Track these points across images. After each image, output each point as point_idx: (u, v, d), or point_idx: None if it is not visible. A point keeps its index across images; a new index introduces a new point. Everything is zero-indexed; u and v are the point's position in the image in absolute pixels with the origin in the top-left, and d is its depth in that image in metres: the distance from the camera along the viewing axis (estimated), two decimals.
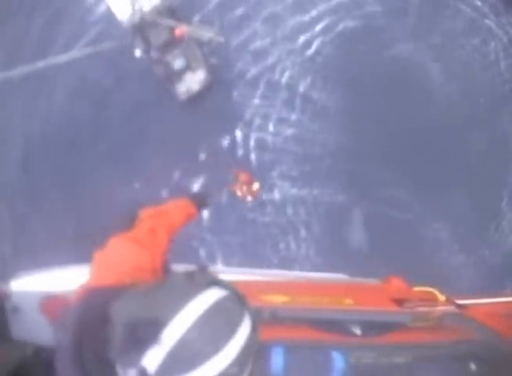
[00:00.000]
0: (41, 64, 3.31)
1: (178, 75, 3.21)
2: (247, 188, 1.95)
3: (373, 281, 2.06)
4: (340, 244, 3.42)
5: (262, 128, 3.64)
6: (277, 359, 1.40)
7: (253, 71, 3.67)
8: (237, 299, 0.77)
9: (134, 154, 3.51)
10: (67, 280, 1.64)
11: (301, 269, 3.33)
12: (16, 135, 3.61)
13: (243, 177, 1.97)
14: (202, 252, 3.38)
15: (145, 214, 1.31)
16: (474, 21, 3.87)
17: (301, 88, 3.70)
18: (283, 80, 3.70)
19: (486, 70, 3.83)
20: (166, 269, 1.16)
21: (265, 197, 3.49)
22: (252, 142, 3.60)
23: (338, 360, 1.46)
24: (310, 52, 3.77)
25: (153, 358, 0.67)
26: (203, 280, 0.76)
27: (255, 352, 0.75)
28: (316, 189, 3.56)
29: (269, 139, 3.64)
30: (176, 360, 0.67)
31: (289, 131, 3.66)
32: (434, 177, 3.61)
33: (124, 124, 3.57)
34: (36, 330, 1.64)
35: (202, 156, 3.54)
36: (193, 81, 3.21)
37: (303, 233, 3.48)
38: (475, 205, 3.59)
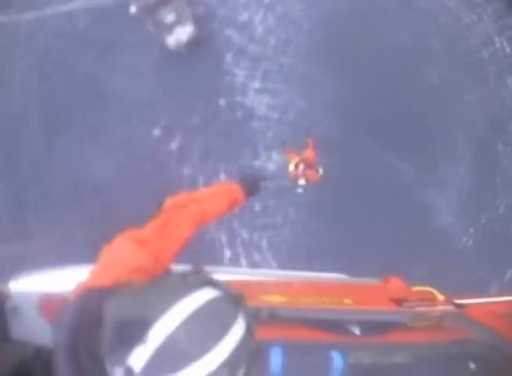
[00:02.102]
0: (48, 11, 3.60)
1: (169, 28, 3.60)
2: (306, 169, 1.62)
3: (372, 281, 2.07)
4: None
5: (246, 94, 3.70)
6: (276, 359, 1.40)
7: (237, 38, 3.79)
8: (231, 301, 0.76)
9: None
10: (67, 280, 1.64)
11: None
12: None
13: (308, 154, 1.64)
14: None
15: (170, 203, 1.22)
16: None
17: (287, 59, 3.76)
18: (268, 50, 3.77)
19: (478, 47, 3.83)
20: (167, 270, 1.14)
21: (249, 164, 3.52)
22: (237, 108, 3.65)
23: (337, 360, 1.45)
24: (295, 23, 3.82)
25: (139, 357, 0.66)
26: (196, 280, 0.76)
27: (250, 355, 0.74)
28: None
29: (252, 105, 3.68)
30: (162, 360, 0.66)
31: (272, 101, 3.69)
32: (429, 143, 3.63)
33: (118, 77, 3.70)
34: (36, 330, 1.65)
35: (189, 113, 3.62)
36: (182, 33, 3.61)
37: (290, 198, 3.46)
38: (475, 172, 3.58)
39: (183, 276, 0.77)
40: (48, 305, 1.66)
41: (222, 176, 3.47)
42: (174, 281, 0.77)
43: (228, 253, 3.39)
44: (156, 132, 3.58)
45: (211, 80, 3.69)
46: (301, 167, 1.62)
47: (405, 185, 3.52)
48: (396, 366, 1.58)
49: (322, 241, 3.35)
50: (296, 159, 1.63)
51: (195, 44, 3.66)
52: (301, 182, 1.63)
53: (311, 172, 1.63)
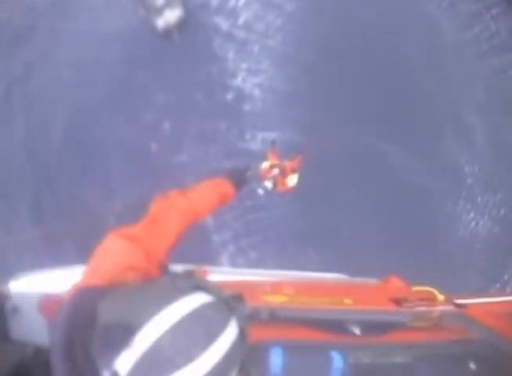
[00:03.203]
0: None
1: (158, 11, 3.78)
2: (279, 175, 1.53)
3: (372, 281, 2.07)
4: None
5: (232, 76, 3.75)
6: (276, 360, 1.40)
7: (222, 20, 3.87)
8: (223, 306, 0.74)
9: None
10: (67, 280, 1.64)
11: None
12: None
13: (290, 165, 1.54)
14: None
15: (157, 200, 1.21)
16: None
17: (272, 41, 3.79)
18: (253, 32, 3.82)
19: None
20: (163, 268, 1.12)
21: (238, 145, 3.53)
22: (224, 90, 3.70)
23: (337, 360, 1.45)
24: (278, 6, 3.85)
25: (124, 362, 0.66)
26: (186, 284, 0.74)
27: (242, 360, 0.73)
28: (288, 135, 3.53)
29: (240, 87, 3.71)
30: (147, 366, 0.66)
31: (258, 82, 3.73)
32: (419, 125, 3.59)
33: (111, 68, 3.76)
34: (35, 330, 1.65)
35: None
36: (171, 16, 3.80)
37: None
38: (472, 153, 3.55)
39: (173, 279, 0.76)
40: (48, 305, 1.66)
41: (213, 159, 3.47)
42: (164, 285, 0.75)
43: (216, 249, 3.38)
44: (146, 116, 3.62)
45: (199, 62, 3.75)
46: (275, 171, 1.53)
47: (401, 174, 3.49)
48: (396, 366, 1.58)
49: (308, 231, 3.32)
50: (275, 161, 1.55)
51: (183, 26, 3.81)
52: (268, 184, 1.54)
53: (282, 181, 1.54)
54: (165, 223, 1.15)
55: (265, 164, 1.55)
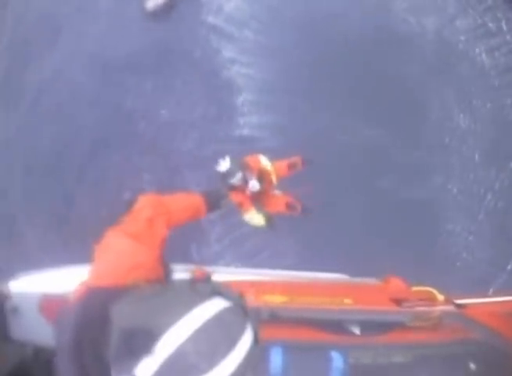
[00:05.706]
0: None
1: None
2: (262, 194, 1.40)
3: (372, 281, 2.06)
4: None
5: (216, 56, 3.80)
6: (276, 359, 1.40)
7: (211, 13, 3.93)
8: (240, 311, 0.75)
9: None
10: (67, 280, 1.64)
11: None
12: None
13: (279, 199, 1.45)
14: None
15: (144, 201, 1.22)
16: None
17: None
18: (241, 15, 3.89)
19: None
20: (165, 266, 1.13)
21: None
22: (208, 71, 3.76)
23: (337, 360, 1.46)
24: None
25: (146, 368, 0.65)
26: (205, 289, 0.74)
27: (255, 364, 0.74)
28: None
29: (222, 67, 3.75)
30: (169, 372, 0.66)
31: (245, 70, 3.77)
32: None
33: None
34: (35, 330, 1.64)
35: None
36: None
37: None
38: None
39: (192, 283, 0.76)
40: (48, 305, 1.65)
41: (204, 145, 3.48)
42: (183, 290, 0.75)
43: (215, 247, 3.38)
44: (128, 101, 3.68)
45: (185, 41, 3.80)
46: (254, 183, 1.39)
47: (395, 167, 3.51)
48: (396, 366, 1.58)
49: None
50: (276, 174, 1.42)
51: (171, 7, 3.99)
52: (237, 176, 1.41)
53: (245, 200, 1.38)
54: (159, 227, 1.17)
55: (265, 163, 1.46)
